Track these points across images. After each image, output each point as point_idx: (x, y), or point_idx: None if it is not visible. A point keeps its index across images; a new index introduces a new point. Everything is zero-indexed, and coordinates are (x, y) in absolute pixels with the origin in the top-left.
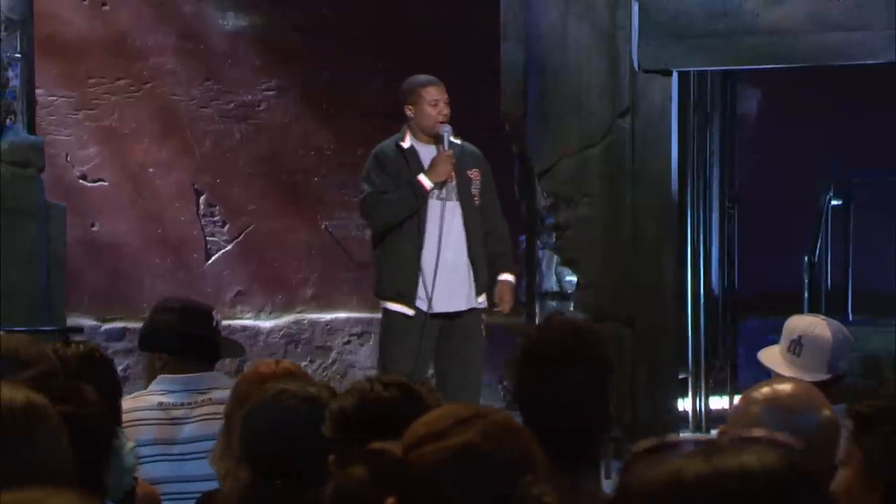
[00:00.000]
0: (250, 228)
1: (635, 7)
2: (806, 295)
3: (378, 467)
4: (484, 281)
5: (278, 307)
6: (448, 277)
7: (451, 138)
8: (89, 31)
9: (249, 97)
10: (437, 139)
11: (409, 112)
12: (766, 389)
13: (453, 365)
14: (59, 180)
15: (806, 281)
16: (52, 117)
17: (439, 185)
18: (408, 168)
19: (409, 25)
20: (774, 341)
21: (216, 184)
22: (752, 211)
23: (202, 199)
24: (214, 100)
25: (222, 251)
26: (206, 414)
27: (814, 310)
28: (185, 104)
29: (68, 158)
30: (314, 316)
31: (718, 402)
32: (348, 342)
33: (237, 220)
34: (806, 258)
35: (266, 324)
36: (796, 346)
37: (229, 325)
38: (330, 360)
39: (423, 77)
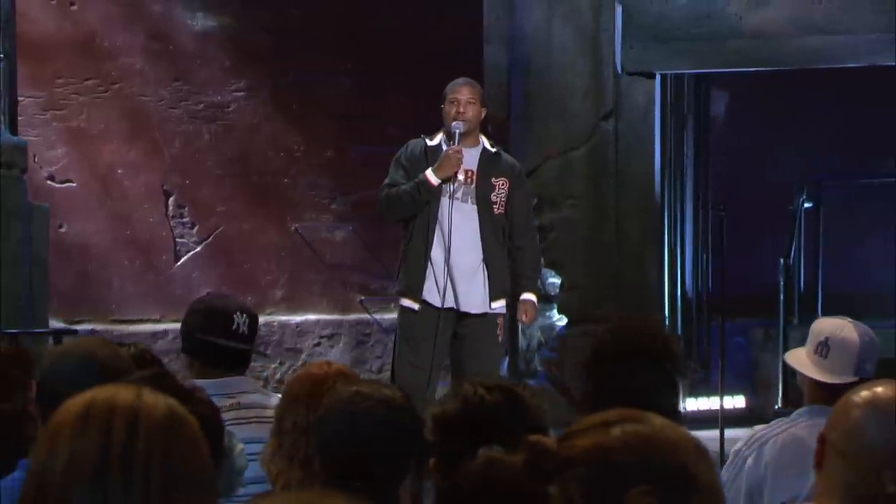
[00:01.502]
0: (220, 230)
1: (618, 10)
2: (781, 297)
3: (534, 456)
4: (501, 287)
5: None
6: (460, 278)
7: (487, 145)
8: (57, 31)
9: (219, 98)
10: (450, 136)
11: (442, 112)
12: (865, 392)
13: (467, 368)
14: (27, 181)
15: (781, 283)
16: (19, 117)
17: (453, 184)
18: (426, 164)
19: (378, 27)
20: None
21: (185, 185)
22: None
23: (171, 200)
24: (183, 100)
25: (192, 253)
26: (234, 418)
27: (787, 312)
28: (154, 105)
29: (36, 159)
30: (284, 318)
31: (693, 404)
32: (318, 344)
33: (206, 222)
34: (781, 260)
35: None
36: (823, 348)
37: None
38: (300, 363)
39: (458, 79)
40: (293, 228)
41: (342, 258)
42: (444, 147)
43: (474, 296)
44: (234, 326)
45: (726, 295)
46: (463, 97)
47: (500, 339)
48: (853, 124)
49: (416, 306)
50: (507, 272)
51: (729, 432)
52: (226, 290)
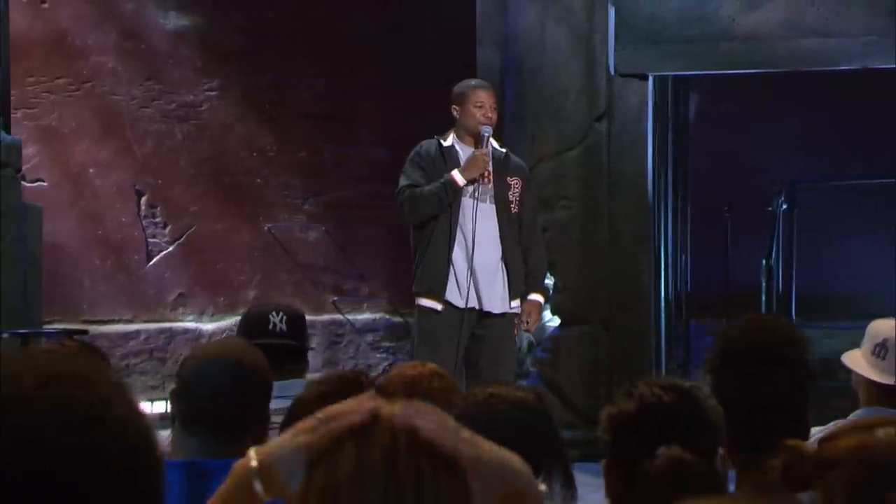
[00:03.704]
0: (192, 230)
1: (611, 11)
2: (763, 298)
3: (791, 460)
4: (518, 287)
5: (221, 309)
6: (481, 278)
7: (496, 146)
8: (28, 29)
9: (191, 97)
10: (477, 139)
11: (455, 112)
12: None
13: (485, 368)
14: None
15: (763, 284)
16: None
17: (474, 184)
18: (445, 165)
19: (351, 28)
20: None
21: (157, 185)
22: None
23: (143, 199)
24: (155, 100)
25: (164, 253)
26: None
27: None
28: (126, 104)
29: None
30: None
31: None
32: None
33: (179, 222)
34: (763, 261)
35: (208, 326)
36: (881, 350)
37: (170, 328)
38: None
39: (474, 80)
40: (266, 229)
41: (315, 259)
42: (458, 148)
43: (495, 295)
44: (271, 326)
45: (696, 295)
46: (489, 101)
47: (515, 338)
48: (834, 127)
49: (439, 307)
50: (522, 271)
51: None
52: (198, 291)
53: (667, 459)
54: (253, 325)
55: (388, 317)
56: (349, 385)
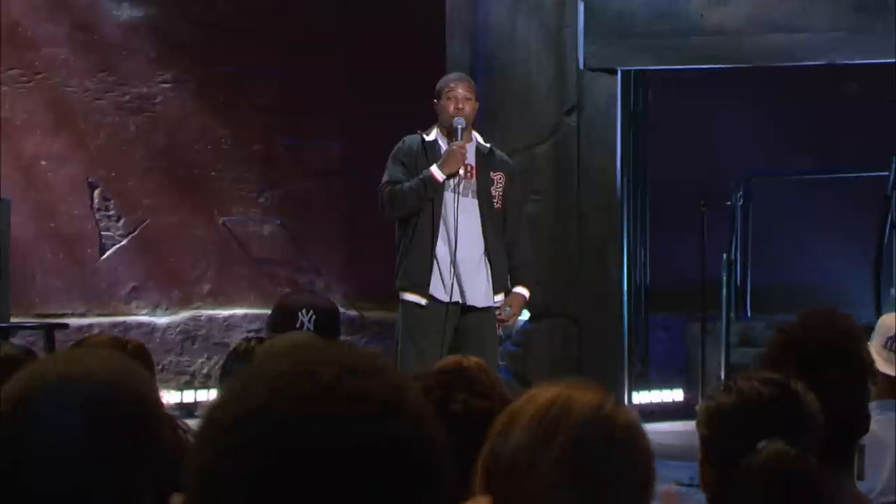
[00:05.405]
0: (146, 223)
1: (580, 6)
2: (724, 292)
3: None
4: (502, 281)
5: (175, 303)
6: (464, 272)
7: (481, 141)
8: None
9: (145, 89)
10: (451, 132)
11: (435, 107)
12: None
13: None
14: None
15: (724, 278)
16: None
17: (455, 178)
18: (426, 160)
19: (306, 19)
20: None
21: (111, 177)
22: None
23: (96, 192)
24: (109, 92)
25: (117, 246)
26: None
27: (712, 306)
28: (79, 96)
29: None
30: (211, 312)
31: (635, 398)
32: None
33: (132, 215)
34: (724, 255)
35: (162, 320)
36: (893, 343)
37: (124, 322)
38: None
39: (451, 74)
40: (220, 222)
41: (269, 252)
42: (441, 143)
43: (478, 289)
44: (298, 324)
45: (656, 289)
46: (461, 93)
47: (498, 332)
48: (799, 121)
49: (423, 301)
50: (506, 266)
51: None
52: (152, 284)
53: (770, 454)
54: (282, 321)
55: (343, 311)
56: (451, 377)
